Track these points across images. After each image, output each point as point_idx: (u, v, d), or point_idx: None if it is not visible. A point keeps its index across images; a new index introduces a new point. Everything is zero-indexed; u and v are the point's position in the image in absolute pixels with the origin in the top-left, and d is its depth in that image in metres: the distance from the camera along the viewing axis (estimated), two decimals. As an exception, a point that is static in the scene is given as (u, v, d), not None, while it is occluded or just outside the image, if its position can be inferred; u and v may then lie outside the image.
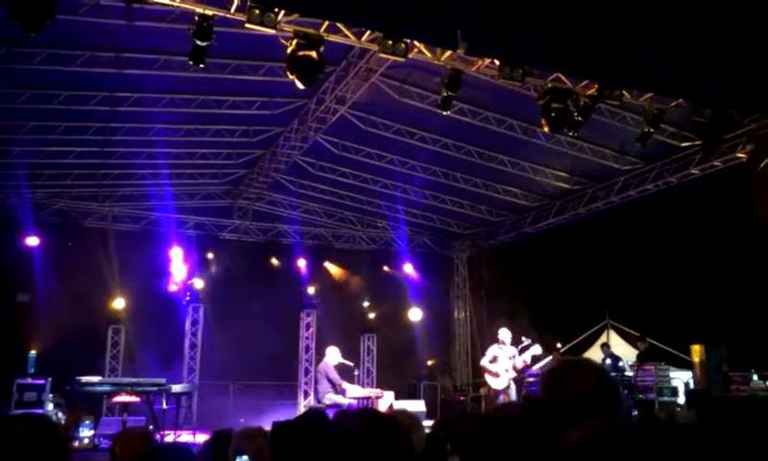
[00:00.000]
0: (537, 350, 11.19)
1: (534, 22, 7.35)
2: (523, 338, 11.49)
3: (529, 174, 13.45)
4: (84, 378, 9.89)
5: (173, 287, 14.54)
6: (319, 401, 10.76)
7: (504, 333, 11.29)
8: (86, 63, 9.15)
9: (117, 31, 8.37)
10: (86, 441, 9.89)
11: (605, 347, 13.81)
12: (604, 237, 13.93)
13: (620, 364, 13.01)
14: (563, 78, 8.79)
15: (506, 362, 11.16)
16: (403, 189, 14.70)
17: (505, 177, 13.79)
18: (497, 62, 8.32)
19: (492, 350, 11.36)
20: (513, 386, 11.17)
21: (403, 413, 3.36)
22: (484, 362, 11.42)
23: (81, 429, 9.91)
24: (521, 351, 11.26)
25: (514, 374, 11.19)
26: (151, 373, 11.16)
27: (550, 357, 12.28)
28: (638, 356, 12.81)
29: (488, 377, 11.38)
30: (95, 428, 10.20)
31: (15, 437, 1.81)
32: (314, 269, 16.12)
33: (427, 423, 5.90)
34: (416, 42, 8.07)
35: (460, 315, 18.17)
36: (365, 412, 2.30)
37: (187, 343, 15.14)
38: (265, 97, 11.13)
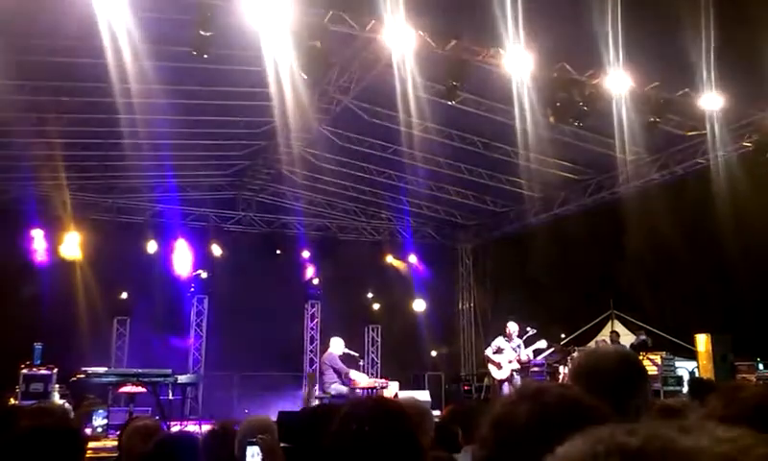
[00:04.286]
0: (542, 344, 11.35)
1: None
2: (528, 328, 11.60)
3: (534, 164, 13.37)
4: (91, 369, 9.92)
5: (178, 276, 14.58)
6: (324, 392, 10.80)
7: (512, 326, 11.46)
8: (90, 55, 9.11)
9: (121, 21, 8.34)
10: (100, 429, 10.01)
11: (614, 334, 13.83)
12: (609, 227, 13.89)
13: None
14: (568, 67, 8.75)
15: (510, 354, 11.31)
16: (407, 180, 14.67)
17: (509, 167, 13.72)
18: (502, 52, 8.29)
19: (498, 341, 11.50)
20: (516, 378, 11.24)
21: (412, 402, 3.35)
22: (488, 352, 11.58)
23: (94, 418, 10.00)
24: (527, 343, 11.37)
25: (517, 365, 11.29)
26: (156, 363, 11.19)
27: (552, 349, 12.33)
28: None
29: (491, 368, 11.54)
30: (108, 418, 10.28)
31: (29, 428, 1.82)
32: (318, 260, 16.13)
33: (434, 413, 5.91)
34: (421, 32, 8.03)
35: (464, 306, 18.17)
36: (375, 400, 2.30)
37: (192, 334, 15.18)
38: (269, 88, 11.08)
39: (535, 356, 11.66)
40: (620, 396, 1.61)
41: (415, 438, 1.79)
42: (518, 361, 11.30)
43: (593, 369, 1.73)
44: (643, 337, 12.85)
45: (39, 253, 13.18)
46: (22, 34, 8.31)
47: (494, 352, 11.47)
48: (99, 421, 10.18)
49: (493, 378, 11.74)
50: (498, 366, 11.39)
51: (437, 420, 3.60)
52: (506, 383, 11.27)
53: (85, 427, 9.61)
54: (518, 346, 11.38)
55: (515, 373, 11.32)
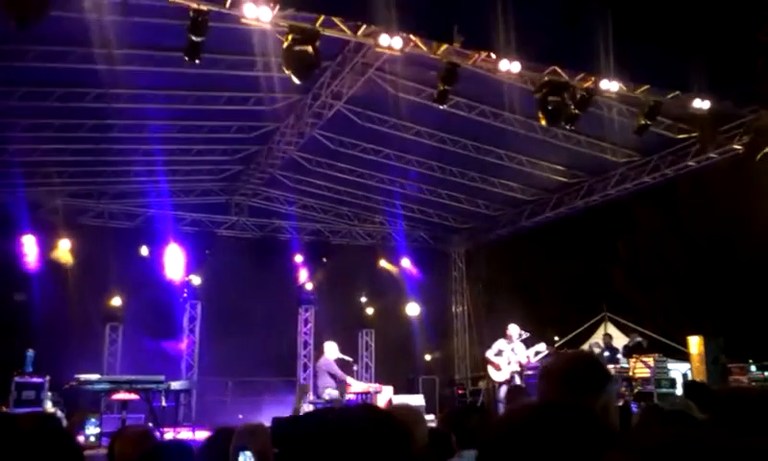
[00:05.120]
0: (541, 346, 11.42)
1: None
2: (522, 331, 11.64)
3: (526, 167, 13.43)
4: (83, 376, 9.87)
5: (170, 282, 14.51)
6: (318, 397, 10.77)
7: (513, 329, 11.51)
8: (80, 60, 9.08)
9: (111, 26, 8.32)
10: (93, 438, 9.91)
11: (607, 336, 13.88)
12: (601, 230, 13.94)
13: (617, 356, 13.09)
14: (559, 71, 8.77)
15: (510, 356, 11.36)
16: (400, 184, 14.68)
17: (502, 171, 13.77)
18: (493, 56, 8.31)
19: (499, 343, 11.56)
20: (516, 379, 11.29)
21: (406, 407, 3.35)
22: (488, 354, 11.62)
23: (87, 427, 9.92)
24: (525, 346, 11.43)
25: (517, 368, 11.34)
26: (149, 370, 11.13)
27: (546, 351, 12.37)
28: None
29: (490, 369, 11.57)
30: (101, 426, 10.21)
31: (24, 435, 1.79)
32: (311, 265, 16.10)
33: (428, 417, 5.93)
34: (412, 36, 8.03)
35: (458, 309, 18.18)
36: (363, 408, 2.30)
37: (185, 339, 15.11)
38: (261, 93, 11.09)
39: (534, 358, 11.71)
40: (583, 396, 1.64)
41: (405, 447, 1.79)
42: (518, 364, 11.35)
43: (556, 372, 1.77)
44: (638, 339, 12.92)
45: (31, 258, 13.10)
46: (12, 39, 8.27)
47: (495, 355, 11.51)
48: (91, 429, 10.10)
49: (492, 381, 11.77)
50: (498, 368, 11.42)
51: (433, 426, 3.60)
52: (504, 385, 11.29)
53: (78, 436, 9.54)
54: (519, 349, 11.43)
55: (515, 375, 11.36)
